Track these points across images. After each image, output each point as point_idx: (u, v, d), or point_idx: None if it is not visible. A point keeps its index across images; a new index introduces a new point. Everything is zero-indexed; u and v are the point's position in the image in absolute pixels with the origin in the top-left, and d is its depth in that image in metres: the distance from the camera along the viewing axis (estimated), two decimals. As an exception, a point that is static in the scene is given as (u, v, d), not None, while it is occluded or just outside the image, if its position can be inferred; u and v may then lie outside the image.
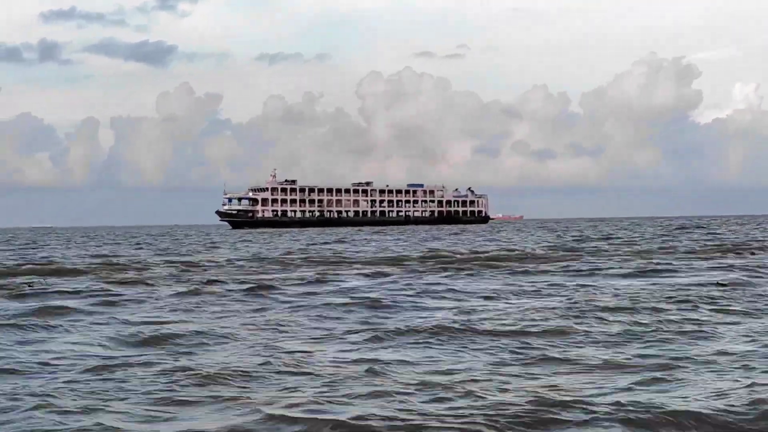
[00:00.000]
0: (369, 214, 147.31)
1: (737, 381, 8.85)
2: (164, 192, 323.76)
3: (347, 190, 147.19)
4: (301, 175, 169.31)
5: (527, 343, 11.53)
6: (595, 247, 43.19)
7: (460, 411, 7.72)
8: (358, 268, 28.06)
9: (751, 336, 11.95)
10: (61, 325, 13.90)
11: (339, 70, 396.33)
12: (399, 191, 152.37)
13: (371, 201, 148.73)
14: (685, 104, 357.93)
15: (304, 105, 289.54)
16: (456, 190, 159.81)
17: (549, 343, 11.51)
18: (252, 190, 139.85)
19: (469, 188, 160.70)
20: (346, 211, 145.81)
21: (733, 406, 7.75)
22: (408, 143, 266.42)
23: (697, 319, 13.71)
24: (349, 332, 12.96)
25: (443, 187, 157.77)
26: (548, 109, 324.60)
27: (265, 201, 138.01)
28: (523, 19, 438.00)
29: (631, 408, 7.67)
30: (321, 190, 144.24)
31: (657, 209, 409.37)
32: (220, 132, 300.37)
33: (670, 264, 27.54)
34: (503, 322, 13.69)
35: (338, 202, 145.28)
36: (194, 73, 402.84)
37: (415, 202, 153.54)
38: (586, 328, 12.81)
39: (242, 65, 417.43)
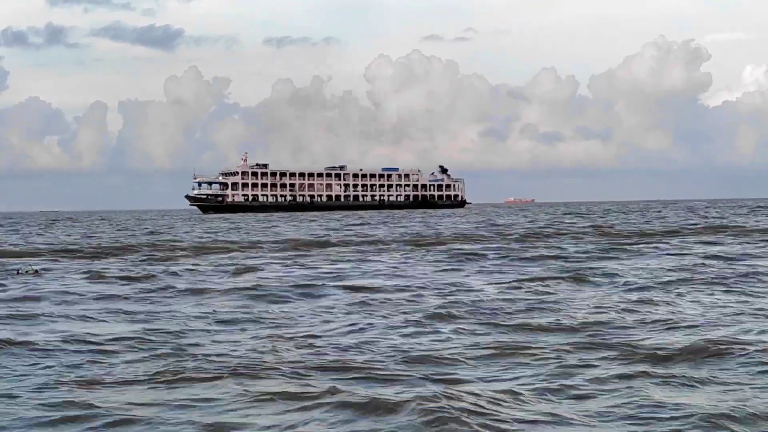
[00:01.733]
0: (342, 199, 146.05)
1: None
2: (172, 176, 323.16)
3: (320, 174, 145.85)
4: (310, 159, 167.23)
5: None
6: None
7: None
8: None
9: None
10: None
11: (347, 54, 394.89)
12: (373, 175, 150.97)
13: (344, 185, 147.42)
14: (694, 87, 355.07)
15: (313, 88, 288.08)
16: (432, 174, 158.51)
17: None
18: (222, 174, 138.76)
19: (446, 172, 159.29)
20: (319, 196, 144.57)
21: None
22: (417, 127, 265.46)
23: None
24: None
25: (419, 171, 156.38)
26: (557, 93, 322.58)
27: (235, 185, 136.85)
28: (531, 2, 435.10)
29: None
30: (293, 174, 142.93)
31: (668, 192, 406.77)
32: (228, 116, 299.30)
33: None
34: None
35: (310, 186, 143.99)
36: (202, 57, 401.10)
37: (390, 186, 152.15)
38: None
39: (250, 49, 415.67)
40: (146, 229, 61.00)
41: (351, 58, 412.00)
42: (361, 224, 62.73)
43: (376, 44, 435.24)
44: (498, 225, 56.37)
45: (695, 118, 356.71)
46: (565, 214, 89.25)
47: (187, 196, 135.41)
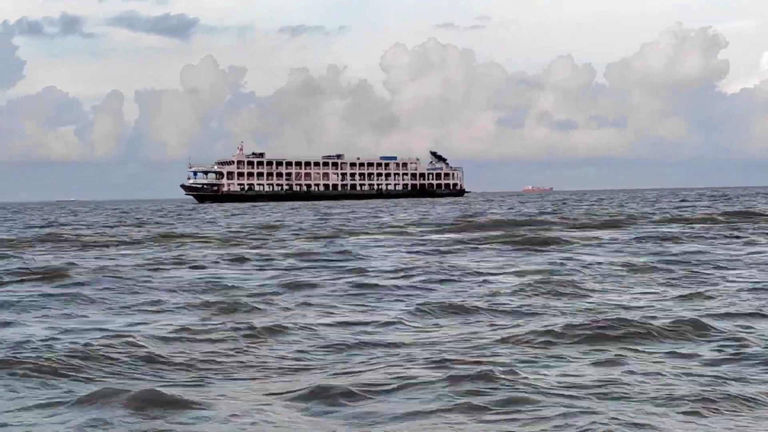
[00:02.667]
0: (339, 188, 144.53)
1: None
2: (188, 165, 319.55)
3: (317, 163, 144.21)
4: (325, 148, 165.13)
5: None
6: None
7: None
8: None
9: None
10: None
11: (362, 43, 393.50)
12: (371, 164, 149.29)
13: (342, 174, 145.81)
14: (711, 75, 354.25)
15: (328, 77, 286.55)
16: (431, 162, 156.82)
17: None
18: (218, 163, 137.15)
19: (443, 159, 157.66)
20: (316, 185, 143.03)
21: None
22: (432, 115, 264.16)
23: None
24: None
25: (417, 159, 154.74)
26: (573, 81, 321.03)
27: (231, 174, 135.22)
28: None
29: None
30: (289, 164, 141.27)
31: (684, 181, 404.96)
32: (244, 105, 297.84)
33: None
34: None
35: (307, 175, 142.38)
36: (217, 46, 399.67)
37: (388, 175, 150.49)
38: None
39: (265, 38, 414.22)
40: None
41: (365, 46, 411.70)
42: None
43: (390, 32, 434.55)
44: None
45: (712, 105, 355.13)
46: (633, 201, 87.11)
47: (183, 186, 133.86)
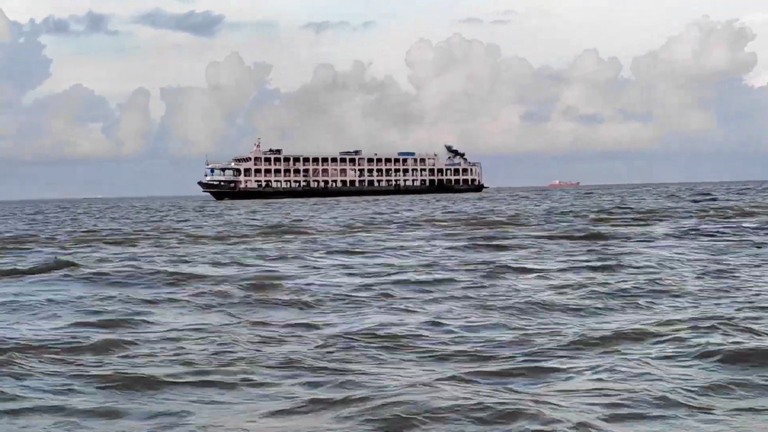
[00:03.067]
0: (357, 184, 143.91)
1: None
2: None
3: (334, 159, 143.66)
4: (350, 144, 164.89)
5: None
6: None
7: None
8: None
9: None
10: None
11: (387, 38, 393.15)
12: (388, 160, 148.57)
13: (359, 170, 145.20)
14: (739, 67, 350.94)
15: (353, 73, 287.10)
16: (449, 158, 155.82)
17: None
18: (235, 160, 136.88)
19: (463, 156, 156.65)
20: (333, 181, 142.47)
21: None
22: (457, 110, 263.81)
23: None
24: None
25: (435, 155, 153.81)
26: (599, 74, 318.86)
27: (248, 171, 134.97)
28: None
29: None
30: (306, 160, 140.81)
31: (711, 174, 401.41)
32: (269, 101, 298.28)
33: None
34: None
35: (324, 171, 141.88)
36: (242, 43, 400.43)
37: (406, 170, 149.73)
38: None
39: (289, 34, 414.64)
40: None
41: (390, 42, 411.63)
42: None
43: (414, 28, 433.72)
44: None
45: (739, 98, 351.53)
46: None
47: (200, 183, 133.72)
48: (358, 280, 15.64)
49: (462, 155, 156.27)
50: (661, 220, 33.98)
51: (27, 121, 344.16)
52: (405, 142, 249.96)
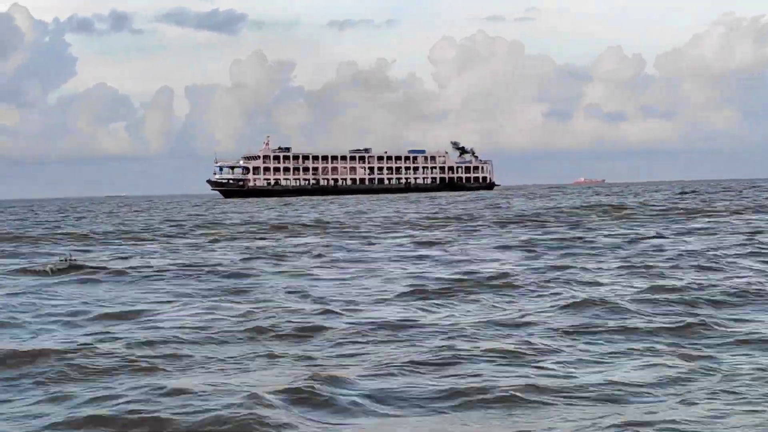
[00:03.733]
0: (367, 182, 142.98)
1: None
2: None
3: (343, 157, 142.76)
4: (373, 142, 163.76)
5: None
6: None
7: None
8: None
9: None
10: None
11: (410, 36, 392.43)
12: (398, 158, 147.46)
13: (369, 168, 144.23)
14: (763, 64, 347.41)
15: (377, 71, 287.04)
16: (459, 155, 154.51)
17: None
18: (244, 158, 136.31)
19: (474, 153, 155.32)
20: (343, 179, 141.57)
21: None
22: (481, 108, 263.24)
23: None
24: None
25: (446, 152, 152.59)
26: (623, 72, 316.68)
27: (257, 169, 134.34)
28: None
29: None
30: (316, 158, 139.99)
31: (737, 171, 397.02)
32: (293, 99, 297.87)
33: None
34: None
35: (334, 169, 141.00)
36: (265, 41, 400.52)
37: (416, 168, 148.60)
38: None
39: (312, 32, 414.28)
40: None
41: (414, 40, 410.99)
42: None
43: (438, 26, 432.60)
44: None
45: (765, 95, 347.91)
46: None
47: (209, 181, 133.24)
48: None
49: (469, 151, 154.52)
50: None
51: (52, 119, 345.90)
52: (427, 139, 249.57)
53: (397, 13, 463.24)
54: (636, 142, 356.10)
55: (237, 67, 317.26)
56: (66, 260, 20.18)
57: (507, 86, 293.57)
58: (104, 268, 19.40)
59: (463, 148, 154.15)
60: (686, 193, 78.07)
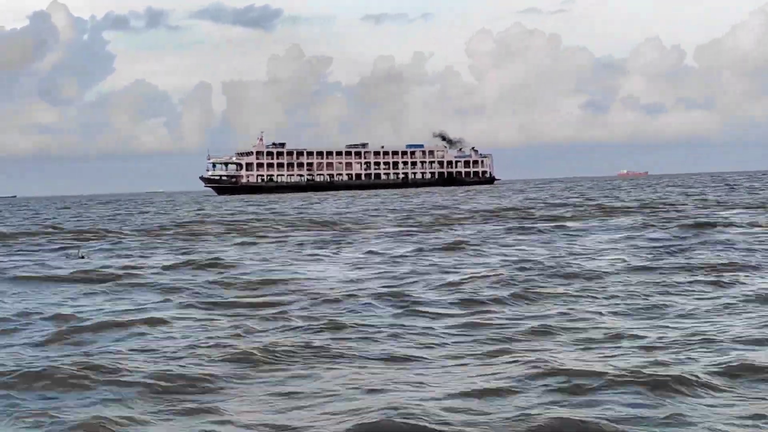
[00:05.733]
0: (363, 177, 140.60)
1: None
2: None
3: (339, 153, 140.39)
4: (411, 136, 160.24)
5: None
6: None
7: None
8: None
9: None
10: None
11: (446, 29, 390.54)
12: (396, 152, 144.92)
13: (365, 163, 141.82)
14: None
15: (414, 65, 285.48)
16: (460, 150, 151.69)
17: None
18: (238, 154, 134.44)
19: (473, 148, 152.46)
20: (338, 175, 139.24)
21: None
22: (518, 101, 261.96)
23: None
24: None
25: (445, 147, 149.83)
26: (662, 63, 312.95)
27: (249, 165, 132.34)
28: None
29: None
30: (310, 153, 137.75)
31: None
32: (330, 94, 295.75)
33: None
34: None
35: (329, 165, 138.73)
36: (301, 36, 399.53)
37: (414, 163, 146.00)
38: None
39: (348, 27, 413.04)
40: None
41: (450, 33, 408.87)
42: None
43: (473, 19, 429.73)
44: None
45: None
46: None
47: (202, 178, 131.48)
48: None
49: (453, 142, 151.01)
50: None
51: (91, 116, 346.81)
52: (465, 133, 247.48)
53: (432, 7, 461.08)
54: (676, 134, 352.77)
55: (274, 63, 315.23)
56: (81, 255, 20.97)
57: (544, 79, 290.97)
58: None
59: (450, 140, 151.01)
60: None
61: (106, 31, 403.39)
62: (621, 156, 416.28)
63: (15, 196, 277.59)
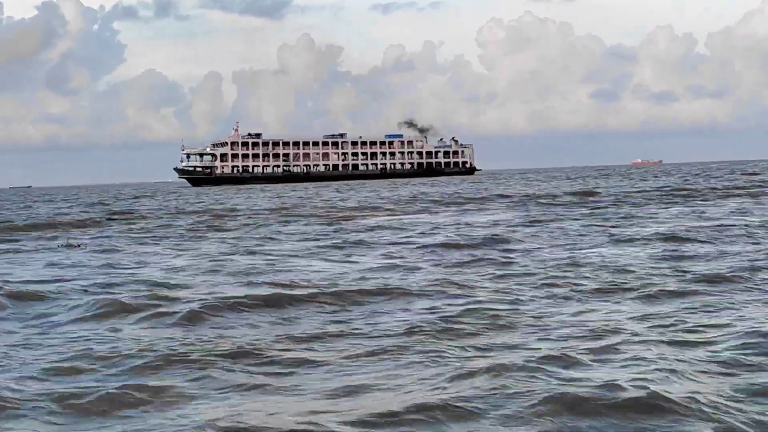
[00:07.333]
0: (341, 168, 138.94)
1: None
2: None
3: (315, 143, 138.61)
4: (421, 126, 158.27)
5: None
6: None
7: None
8: None
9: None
10: None
11: (456, 18, 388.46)
12: (374, 143, 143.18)
13: (342, 154, 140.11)
14: None
15: (424, 54, 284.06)
16: (440, 140, 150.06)
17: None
18: (213, 145, 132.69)
19: (453, 138, 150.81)
20: (315, 165, 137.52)
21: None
22: (529, 89, 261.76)
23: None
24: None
25: (424, 137, 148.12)
26: (673, 51, 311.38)
27: (224, 156, 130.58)
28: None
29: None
30: (287, 144, 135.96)
31: None
32: (340, 83, 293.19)
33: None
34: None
35: (306, 155, 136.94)
36: (310, 25, 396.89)
37: (392, 153, 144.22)
38: None
39: (357, 16, 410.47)
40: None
41: (460, 22, 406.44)
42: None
43: (484, 7, 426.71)
44: None
45: None
46: None
47: (176, 169, 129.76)
48: None
49: (426, 130, 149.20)
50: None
51: (102, 106, 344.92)
52: (477, 121, 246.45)
53: None
54: (688, 122, 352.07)
55: (284, 52, 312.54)
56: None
57: (556, 67, 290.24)
58: None
59: (420, 128, 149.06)
60: None
61: (117, 21, 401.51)
62: (632, 145, 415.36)
63: (30, 187, 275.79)
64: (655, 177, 73.92)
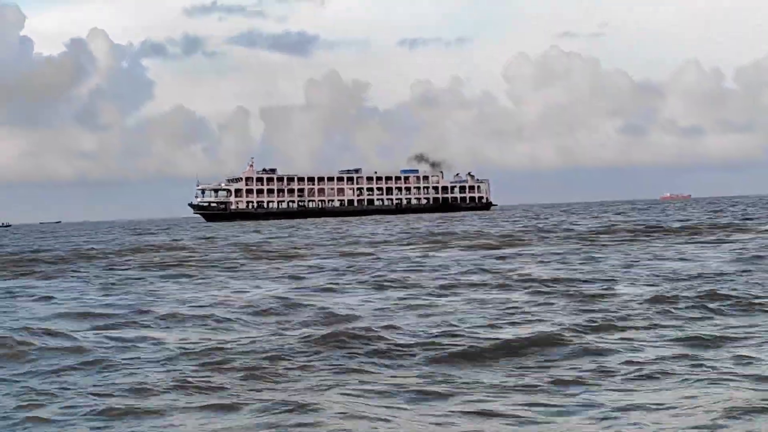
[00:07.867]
0: (356, 203, 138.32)
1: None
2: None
3: (330, 178, 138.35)
4: (449, 163, 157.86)
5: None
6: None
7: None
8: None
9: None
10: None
11: (482, 54, 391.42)
12: (389, 178, 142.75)
13: (358, 189, 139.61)
14: None
15: (451, 89, 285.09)
16: (456, 175, 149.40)
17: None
18: (228, 180, 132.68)
19: (469, 173, 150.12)
20: (330, 201, 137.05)
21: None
22: (557, 124, 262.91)
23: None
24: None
25: (440, 172, 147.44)
26: (701, 85, 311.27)
27: (239, 192, 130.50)
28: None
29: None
30: (301, 179, 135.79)
31: None
32: (368, 118, 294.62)
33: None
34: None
35: (321, 191, 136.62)
36: (337, 61, 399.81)
37: (408, 189, 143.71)
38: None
39: (384, 52, 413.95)
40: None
41: (486, 57, 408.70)
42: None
43: (510, 43, 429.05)
44: None
45: None
46: None
47: (191, 204, 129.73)
48: None
49: (469, 173, 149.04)
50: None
51: (131, 142, 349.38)
52: (504, 156, 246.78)
53: (466, 31, 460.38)
54: (717, 156, 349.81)
55: (312, 88, 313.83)
56: None
57: (583, 102, 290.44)
58: None
59: (433, 162, 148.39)
60: None
61: (145, 58, 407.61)
62: (661, 179, 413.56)
63: (60, 222, 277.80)
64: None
